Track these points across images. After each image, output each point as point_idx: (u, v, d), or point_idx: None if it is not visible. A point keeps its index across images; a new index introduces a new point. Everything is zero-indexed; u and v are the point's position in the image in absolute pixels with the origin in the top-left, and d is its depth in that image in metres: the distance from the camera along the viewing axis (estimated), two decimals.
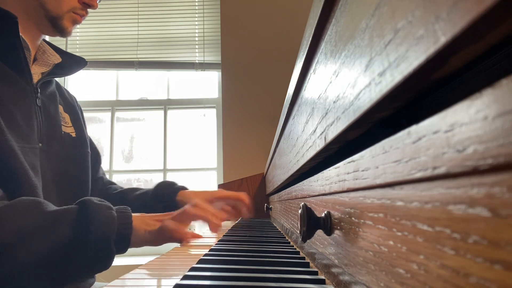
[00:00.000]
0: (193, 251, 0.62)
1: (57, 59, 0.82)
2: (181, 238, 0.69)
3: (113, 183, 1.01)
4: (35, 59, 0.79)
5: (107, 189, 0.98)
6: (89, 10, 0.81)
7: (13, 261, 0.51)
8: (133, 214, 0.65)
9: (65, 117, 0.85)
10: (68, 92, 0.93)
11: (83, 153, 0.85)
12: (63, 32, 0.78)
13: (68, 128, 0.84)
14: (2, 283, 0.52)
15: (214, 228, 0.73)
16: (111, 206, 0.62)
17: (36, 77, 0.76)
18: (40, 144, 0.73)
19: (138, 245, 0.66)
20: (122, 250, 0.62)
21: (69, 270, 0.57)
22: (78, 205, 0.60)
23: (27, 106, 0.71)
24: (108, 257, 0.58)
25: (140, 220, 0.67)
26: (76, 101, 0.94)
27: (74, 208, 0.59)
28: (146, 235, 0.66)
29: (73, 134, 0.84)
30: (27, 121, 0.70)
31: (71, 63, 0.85)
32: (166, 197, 0.93)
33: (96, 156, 0.97)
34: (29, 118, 0.70)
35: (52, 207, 0.59)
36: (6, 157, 0.62)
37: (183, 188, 0.97)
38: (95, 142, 1.02)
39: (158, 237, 0.67)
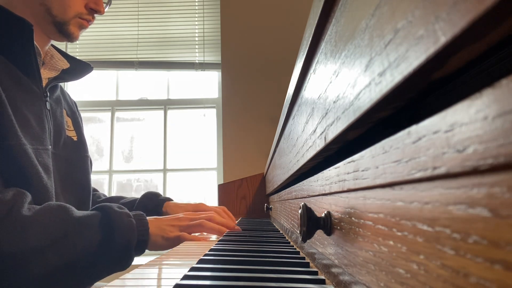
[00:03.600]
0: (193, 251, 0.62)
1: (65, 64, 0.83)
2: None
3: (96, 190, 1.02)
4: (43, 64, 0.80)
5: (92, 195, 0.99)
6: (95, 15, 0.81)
7: (44, 265, 0.54)
8: (148, 219, 0.69)
9: (68, 121, 0.86)
10: (69, 96, 0.94)
11: (83, 157, 0.86)
12: (69, 37, 0.79)
13: (70, 132, 0.85)
14: (32, 285, 0.55)
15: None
16: (130, 213, 0.66)
17: (44, 82, 0.77)
18: (50, 146, 0.74)
19: (152, 249, 0.71)
20: (139, 254, 0.67)
21: (93, 273, 0.61)
22: (99, 211, 0.64)
23: (39, 110, 0.72)
24: (128, 261, 0.63)
25: (156, 226, 0.71)
26: (77, 107, 0.96)
27: (97, 214, 0.63)
28: (161, 242, 0.71)
29: (75, 138, 0.85)
30: (39, 124, 0.71)
31: (78, 68, 0.86)
32: (152, 208, 0.94)
33: (91, 164, 0.97)
34: (41, 121, 0.72)
35: (78, 212, 0.62)
36: (20, 159, 0.63)
37: (168, 199, 0.99)
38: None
39: (172, 245, 0.72)
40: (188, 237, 0.73)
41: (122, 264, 0.63)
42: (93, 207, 0.66)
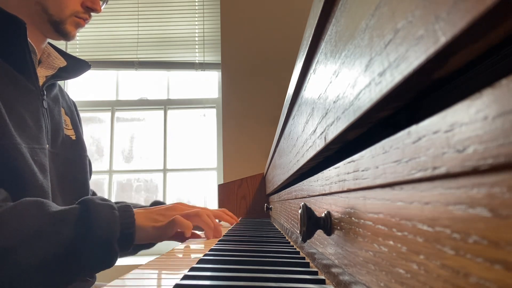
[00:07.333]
0: (193, 251, 0.62)
1: (62, 62, 0.83)
2: (187, 233, 0.71)
3: (95, 193, 1.01)
4: (40, 62, 0.80)
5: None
6: (92, 13, 0.81)
7: (15, 264, 0.51)
8: (136, 210, 0.65)
9: (66, 119, 0.86)
10: (68, 96, 0.94)
11: (82, 156, 0.86)
12: (66, 36, 0.79)
13: (68, 131, 0.85)
14: (5, 285, 0.52)
15: (209, 236, 0.76)
16: (113, 205, 0.61)
17: (41, 80, 0.77)
18: (47, 145, 0.73)
19: (143, 241, 0.68)
20: (126, 248, 0.62)
21: (72, 271, 0.57)
22: (79, 204, 0.60)
23: (35, 108, 0.72)
24: (111, 257, 0.58)
25: (145, 217, 0.68)
26: (75, 106, 0.95)
27: (75, 208, 0.59)
28: (152, 231, 0.67)
29: (73, 137, 0.85)
30: (36, 123, 0.71)
31: (76, 66, 0.86)
32: None
33: (90, 164, 0.97)
34: (38, 120, 0.71)
35: (54, 207, 0.58)
36: (14, 159, 0.62)
37: None
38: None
39: (166, 232, 0.69)
40: (182, 220, 0.69)
41: (105, 259, 0.58)
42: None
